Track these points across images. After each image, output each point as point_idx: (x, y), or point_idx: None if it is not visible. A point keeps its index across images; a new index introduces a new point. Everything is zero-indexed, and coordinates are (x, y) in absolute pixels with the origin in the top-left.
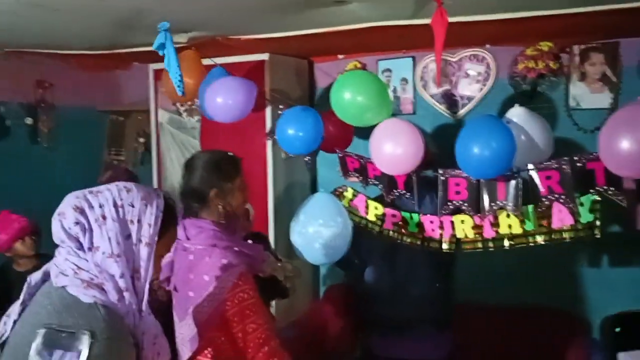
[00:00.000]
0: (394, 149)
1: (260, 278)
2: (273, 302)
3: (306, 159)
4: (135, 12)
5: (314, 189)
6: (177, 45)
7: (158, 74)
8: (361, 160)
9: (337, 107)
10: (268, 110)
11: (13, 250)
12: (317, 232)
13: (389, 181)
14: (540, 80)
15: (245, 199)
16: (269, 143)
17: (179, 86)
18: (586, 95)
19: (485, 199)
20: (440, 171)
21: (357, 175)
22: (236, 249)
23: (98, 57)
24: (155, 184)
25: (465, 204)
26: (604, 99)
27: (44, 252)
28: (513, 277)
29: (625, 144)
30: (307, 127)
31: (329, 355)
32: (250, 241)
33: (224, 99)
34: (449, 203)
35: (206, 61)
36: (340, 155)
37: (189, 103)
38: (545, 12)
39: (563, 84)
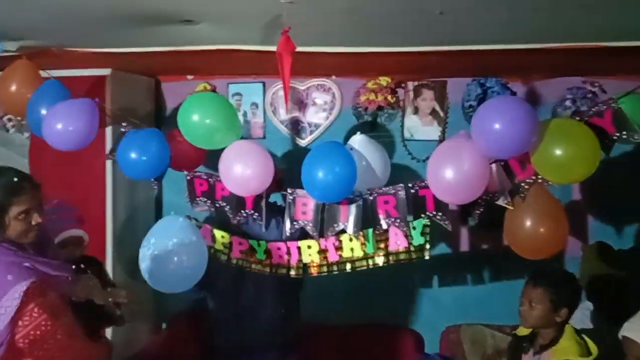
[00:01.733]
0: (243, 170)
1: (78, 302)
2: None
3: (152, 182)
4: None
5: (159, 213)
6: (6, 54)
7: None
8: (210, 180)
9: (185, 129)
10: (108, 129)
11: None
12: (171, 252)
13: (237, 202)
14: (379, 112)
15: (29, 226)
16: (108, 164)
17: None
18: (419, 127)
19: (329, 220)
20: (289, 191)
21: (204, 200)
22: (27, 264)
23: None
24: None
25: (310, 224)
26: (433, 132)
27: None
28: (354, 297)
29: (448, 174)
30: (151, 151)
31: None
32: (74, 266)
33: (64, 125)
34: (294, 223)
35: (46, 73)
36: (188, 178)
37: (19, 117)
38: (383, 49)
39: (399, 116)
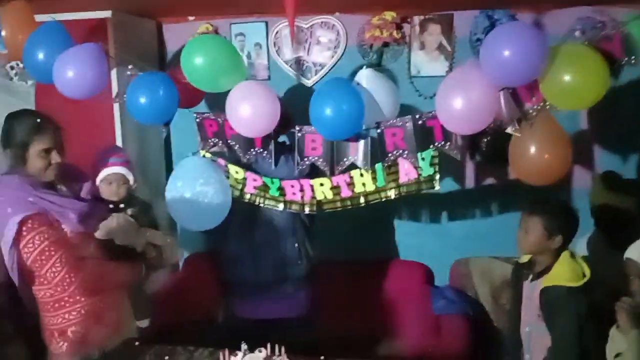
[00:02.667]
0: (250, 111)
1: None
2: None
3: (162, 129)
4: None
5: (168, 154)
6: None
7: None
8: (219, 120)
9: (189, 73)
10: (113, 73)
11: None
12: (200, 192)
13: (246, 140)
14: (385, 49)
15: (47, 164)
16: (116, 107)
17: None
18: (425, 63)
19: (338, 155)
20: (297, 128)
21: (215, 140)
22: (30, 199)
23: None
24: None
25: (320, 160)
26: (440, 67)
27: None
28: (364, 233)
29: (456, 103)
30: (159, 96)
31: (191, 325)
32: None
33: (76, 73)
34: (305, 159)
35: (43, 17)
36: (198, 120)
37: (21, 65)
38: None
39: (405, 52)
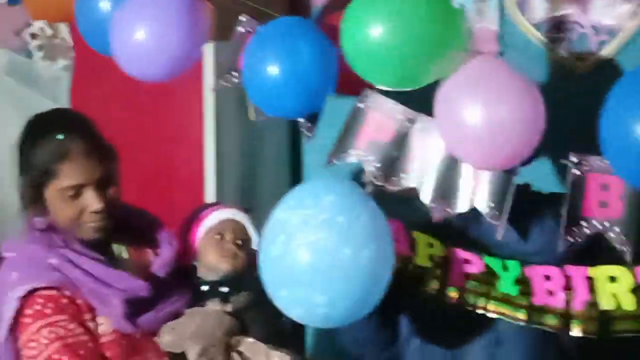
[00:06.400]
0: (484, 123)
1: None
2: None
3: (304, 124)
4: None
5: (296, 176)
6: None
7: None
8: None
9: (354, 57)
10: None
11: None
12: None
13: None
14: None
15: (79, 213)
16: (208, 102)
17: None
18: None
19: None
20: (573, 158)
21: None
22: (53, 261)
23: None
24: None
25: (616, 228)
26: None
27: None
28: None
29: None
30: (302, 62)
31: None
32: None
33: (152, 33)
34: (583, 222)
35: None
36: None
37: (48, 30)
38: None
39: None
